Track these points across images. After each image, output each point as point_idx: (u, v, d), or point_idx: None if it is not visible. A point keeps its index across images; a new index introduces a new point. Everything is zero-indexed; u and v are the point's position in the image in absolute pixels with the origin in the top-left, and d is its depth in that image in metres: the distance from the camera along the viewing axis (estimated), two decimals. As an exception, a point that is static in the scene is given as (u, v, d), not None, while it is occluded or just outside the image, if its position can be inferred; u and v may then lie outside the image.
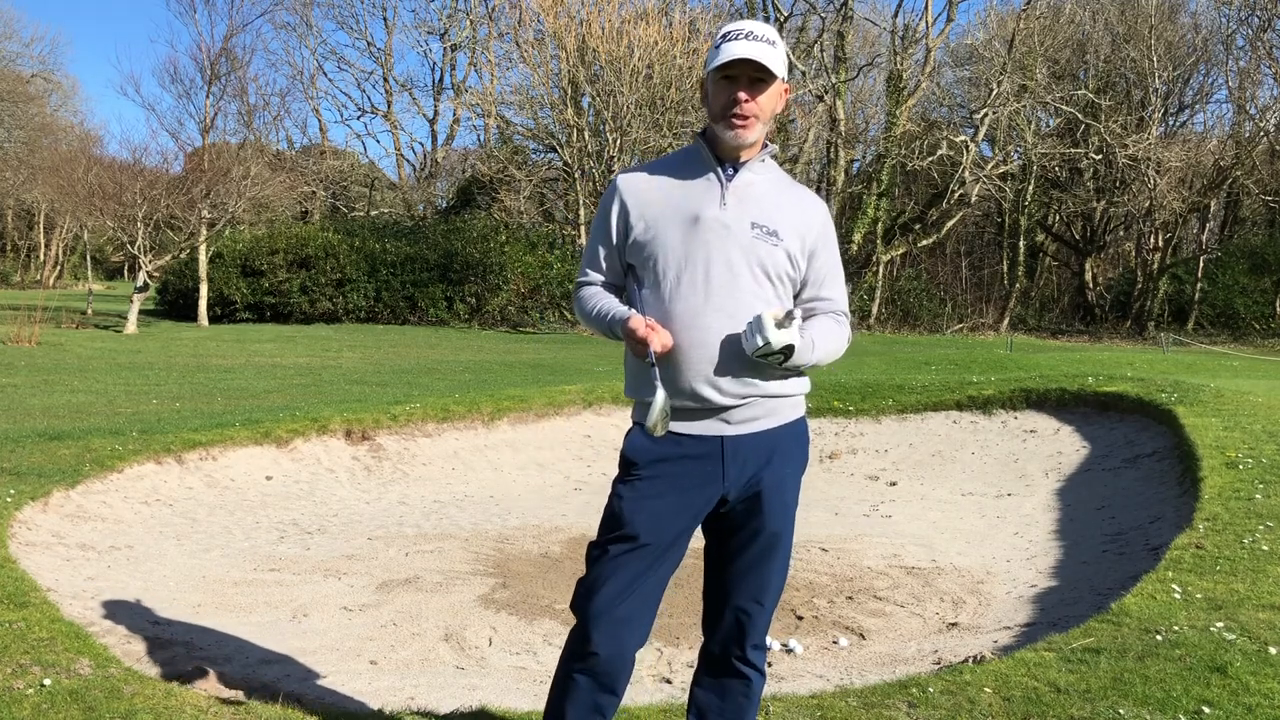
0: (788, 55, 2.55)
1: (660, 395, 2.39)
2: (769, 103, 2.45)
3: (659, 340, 2.39)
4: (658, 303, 2.46)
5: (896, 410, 9.96)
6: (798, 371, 2.54)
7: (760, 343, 2.34)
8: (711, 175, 2.49)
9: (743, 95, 2.40)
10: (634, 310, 2.49)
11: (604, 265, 2.61)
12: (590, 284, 2.63)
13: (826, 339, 2.53)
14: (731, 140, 2.44)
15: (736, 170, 2.49)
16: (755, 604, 2.56)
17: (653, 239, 2.48)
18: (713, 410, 2.45)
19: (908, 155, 34.97)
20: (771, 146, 2.54)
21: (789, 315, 2.37)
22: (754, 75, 2.40)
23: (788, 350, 2.36)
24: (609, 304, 2.55)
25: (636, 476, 2.48)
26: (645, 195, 2.52)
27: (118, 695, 3.24)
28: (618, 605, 2.43)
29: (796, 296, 2.55)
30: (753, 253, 2.44)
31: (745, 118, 2.42)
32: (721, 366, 2.42)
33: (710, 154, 2.50)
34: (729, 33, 2.44)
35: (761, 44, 2.40)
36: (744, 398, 2.44)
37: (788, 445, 2.53)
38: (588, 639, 2.46)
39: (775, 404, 2.49)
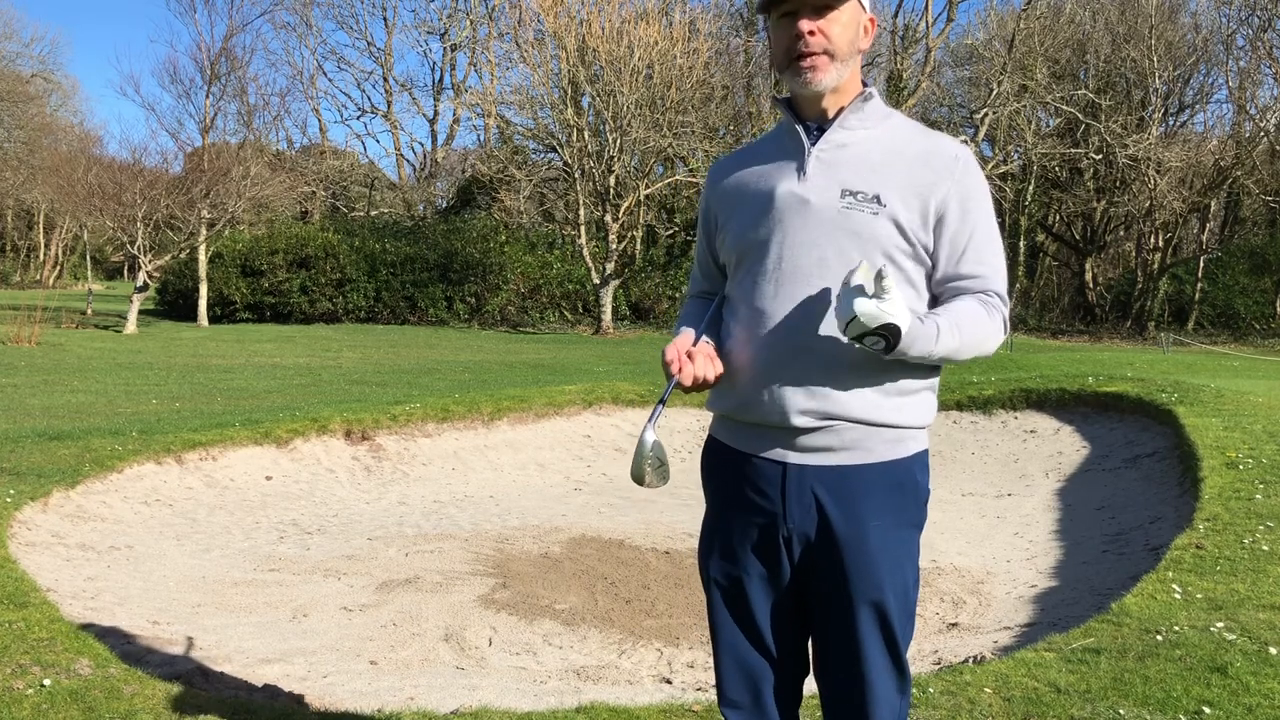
0: None
1: (648, 437, 2.01)
2: (843, 34, 1.94)
3: (690, 372, 1.96)
4: (734, 305, 2.06)
5: (896, 410, 9.95)
6: (922, 377, 1.99)
7: (846, 318, 1.80)
8: (794, 141, 2.01)
9: (804, 26, 1.92)
10: (691, 331, 2.09)
11: (700, 270, 2.24)
12: (690, 298, 2.26)
13: (968, 325, 1.92)
14: (801, 88, 1.96)
15: (824, 130, 1.99)
16: (849, 696, 2.01)
17: (728, 228, 2.07)
18: (779, 430, 1.97)
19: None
20: (870, 89, 2.01)
21: (879, 276, 1.78)
22: (817, 3, 1.93)
23: (889, 331, 1.80)
24: (682, 323, 2.16)
25: (708, 501, 2.15)
26: (726, 180, 2.11)
27: (118, 695, 3.24)
28: (737, 647, 2.12)
29: (929, 281, 2.00)
30: (843, 229, 1.92)
31: (812, 55, 1.93)
32: (791, 376, 1.93)
33: (792, 117, 2.02)
34: None
35: None
36: (820, 418, 1.94)
37: (873, 489, 1.96)
38: (718, 680, 2.15)
39: (862, 435, 1.94)
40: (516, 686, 3.89)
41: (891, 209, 1.92)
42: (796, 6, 1.93)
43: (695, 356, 1.98)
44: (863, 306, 1.77)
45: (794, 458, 1.97)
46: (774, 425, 1.97)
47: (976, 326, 1.94)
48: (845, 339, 1.85)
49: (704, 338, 2.06)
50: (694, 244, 2.32)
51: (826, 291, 1.92)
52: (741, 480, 2.03)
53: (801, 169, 1.98)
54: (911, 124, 2.05)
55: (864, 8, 1.99)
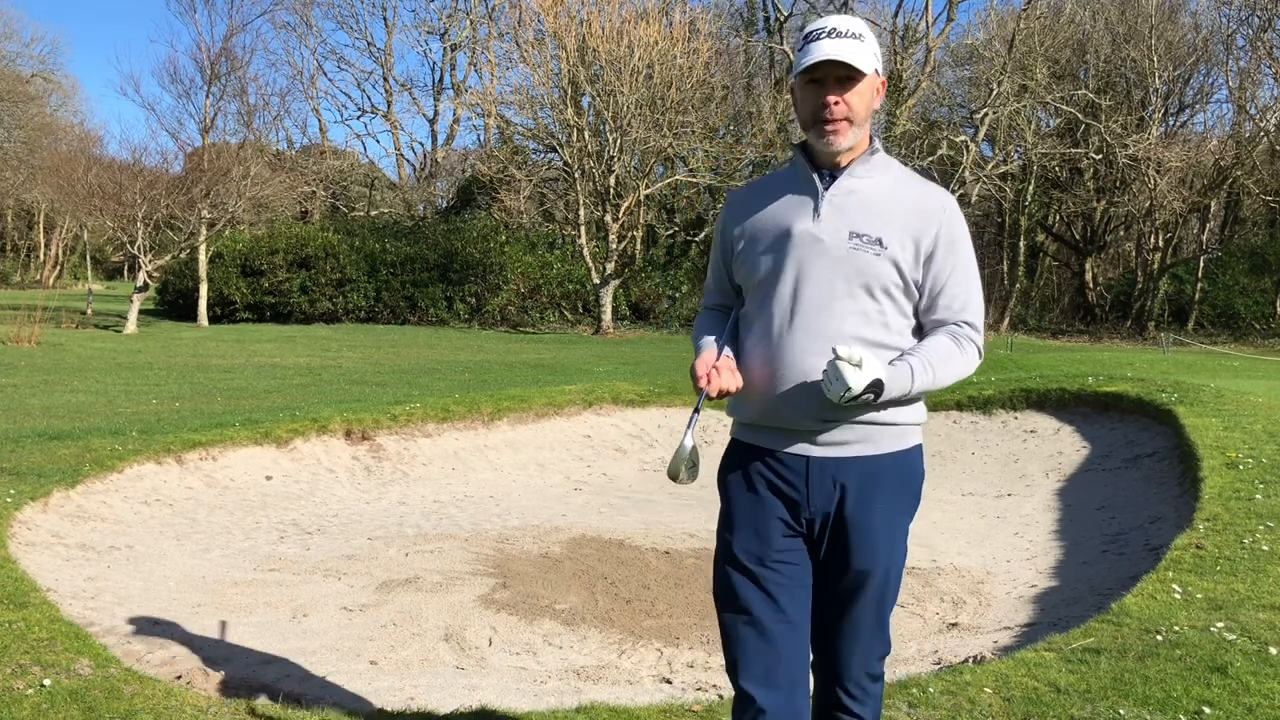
0: (877, 46, 2.36)
1: (688, 442, 2.31)
2: (861, 102, 2.26)
3: (718, 385, 2.27)
4: (751, 324, 2.36)
5: (896, 410, 9.96)
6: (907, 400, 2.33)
7: (841, 390, 2.15)
8: (809, 186, 2.33)
9: (831, 98, 2.23)
10: (714, 344, 2.40)
11: (715, 285, 2.53)
12: (705, 309, 2.55)
13: (940, 362, 2.28)
14: (824, 148, 2.28)
15: (835, 178, 2.31)
16: (841, 644, 2.37)
17: (748, 255, 2.37)
18: (799, 432, 2.31)
19: (908, 155, 34.93)
20: (875, 144, 2.34)
21: (845, 357, 2.15)
22: (841, 74, 2.23)
23: (875, 387, 2.16)
24: (703, 334, 2.47)
25: (732, 494, 2.39)
26: (747, 209, 2.41)
27: (118, 695, 3.24)
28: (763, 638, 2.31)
29: (917, 310, 2.34)
30: (850, 266, 2.25)
31: (835, 121, 2.24)
32: (805, 390, 2.26)
33: (807, 164, 2.34)
34: (811, 32, 2.28)
35: (847, 40, 2.23)
36: (828, 422, 2.28)
37: (883, 475, 2.32)
38: (736, 658, 2.34)
39: (869, 431, 2.30)
40: (516, 686, 3.89)
41: (891, 250, 2.26)
42: (823, 76, 2.24)
43: (721, 371, 2.30)
44: (853, 379, 2.14)
45: (815, 451, 2.31)
46: (795, 429, 2.30)
47: (949, 361, 2.31)
48: (842, 403, 2.18)
49: (725, 351, 2.38)
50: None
51: (835, 318, 2.26)
52: (770, 473, 2.34)
53: (816, 210, 2.30)
54: (908, 174, 2.38)
55: (878, 73, 2.29)
